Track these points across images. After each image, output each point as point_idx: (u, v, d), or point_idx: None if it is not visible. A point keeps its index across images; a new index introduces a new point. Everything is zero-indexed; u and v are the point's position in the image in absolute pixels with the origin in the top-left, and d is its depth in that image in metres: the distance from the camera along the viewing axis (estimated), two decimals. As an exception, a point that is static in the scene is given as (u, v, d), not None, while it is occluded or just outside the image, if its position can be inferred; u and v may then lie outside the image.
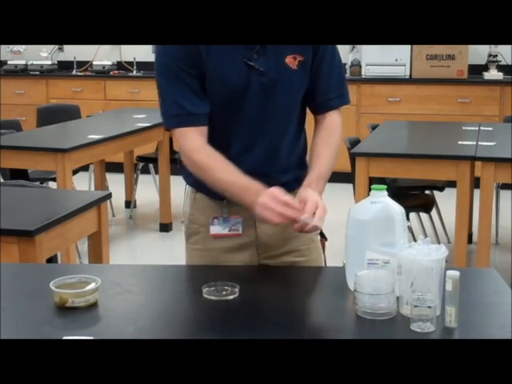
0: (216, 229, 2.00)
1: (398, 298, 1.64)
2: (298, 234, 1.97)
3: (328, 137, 2.01)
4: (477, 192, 3.90)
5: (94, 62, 7.65)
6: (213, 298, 1.75)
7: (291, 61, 1.92)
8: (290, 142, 2.00)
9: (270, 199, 1.76)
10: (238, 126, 1.94)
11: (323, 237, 2.13)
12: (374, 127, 4.92)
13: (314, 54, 1.95)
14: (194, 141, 1.90)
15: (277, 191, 1.78)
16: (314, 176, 1.93)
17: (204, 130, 1.91)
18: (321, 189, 1.92)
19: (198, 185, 2.00)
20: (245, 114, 1.92)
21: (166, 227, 5.45)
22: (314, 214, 1.78)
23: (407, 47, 6.65)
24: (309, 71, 1.96)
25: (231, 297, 1.75)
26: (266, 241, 2.02)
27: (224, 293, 1.76)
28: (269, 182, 1.86)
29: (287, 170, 2.00)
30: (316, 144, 2.00)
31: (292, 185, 1.98)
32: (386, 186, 1.78)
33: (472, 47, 6.68)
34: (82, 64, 7.71)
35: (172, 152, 5.77)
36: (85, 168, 5.40)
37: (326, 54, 1.97)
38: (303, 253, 2.06)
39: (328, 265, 2.17)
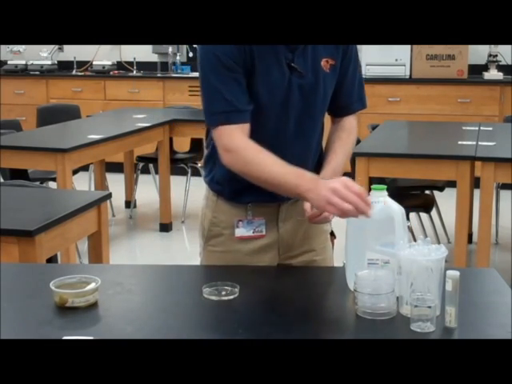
0: (241, 231, 2.02)
1: (398, 297, 1.64)
2: (315, 234, 2.05)
3: (346, 138, 2.06)
4: (477, 192, 3.90)
5: (94, 62, 7.65)
6: (213, 298, 1.75)
7: (325, 64, 1.95)
8: (316, 146, 2.05)
9: (342, 187, 1.71)
10: (278, 128, 1.96)
11: (332, 235, 2.17)
12: (374, 127, 4.92)
13: (342, 57, 1.99)
14: (241, 138, 1.88)
15: (349, 181, 1.73)
16: (330, 170, 1.97)
17: (247, 128, 1.90)
18: None
19: (222, 190, 2.03)
20: (285, 116, 1.95)
21: (166, 227, 5.45)
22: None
23: (407, 47, 6.65)
24: (337, 75, 1.99)
25: (231, 297, 1.75)
26: (288, 241, 2.05)
27: (224, 293, 1.77)
28: None
29: (311, 169, 2.00)
30: (333, 142, 2.05)
31: None
32: (386, 186, 1.78)
33: (472, 47, 6.68)
34: (82, 64, 7.71)
35: (172, 152, 5.78)
36: (85, 168, 5.40)
37: (351, 58, 2.01)
38: (320, 252, 2.10)
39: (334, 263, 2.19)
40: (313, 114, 1.99)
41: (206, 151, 2.10)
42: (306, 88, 1.93)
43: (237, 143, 1.87)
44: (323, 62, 1.95)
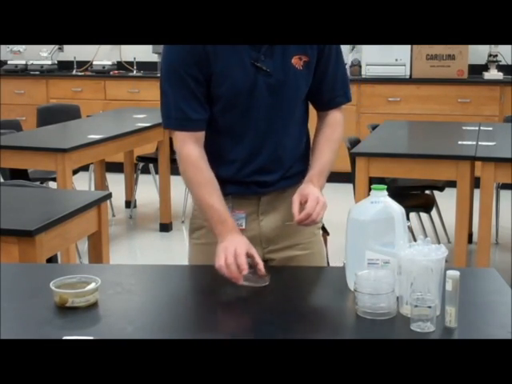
0: None
1: (398, 297, 1.64)
2: (299, 229, 2.02)
3: (331, 134, 2.06)
4: (477, 192, 3.90)
5: (94, 62, 7.65)
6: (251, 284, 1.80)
7: (297, 61, 1.95)
8: (294, 140, 2.05)
9: (233, 259, 1.79)
10: (246, 128, 1.97)
11: (325, 231, 2.18)
12: (374, 127, 4.92)
13: (319, 53, 1.98)
14: (191, 149, 1.94)
15: (230, 258, 1.80)
16: (316, 172, 1.99)
17: (201, 135, 1.97)
18: (322, 184, 1.98)
19: None
20: (252, 116, 1.95)
21: (166, 227, 5.45)
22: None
23: (407, 47, 6.65)
24: (313, 71, 1.99)
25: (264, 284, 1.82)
26: (269, 234, 2.05)
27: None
28: (273, 177, 1.97)
29: (291, 166, 2.04)
30: (318, 141, 2.06)
31: (295, 179, 2.03)
32: (386, 186, 1.78)
33: (472, 47, 6.68)
34: (82, 64, 7.71)
35: (172, 152, 5.77)
36: (85, 168, 5.40)
37: (331, 53, 2.01)
38: (305, 246, 2.09)
39: (329, 261, 2.18)
40: (284, 112, 1.99)
41: None
42: (275, 86, 1.94)
43: (185, 152, 1.95)
44: (294, 60, 1.94)
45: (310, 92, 2.03)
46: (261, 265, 1.82)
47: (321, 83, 2.03)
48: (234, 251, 1.80)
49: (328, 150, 2.04)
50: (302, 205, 1.88)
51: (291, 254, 2.07)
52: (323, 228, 2.16)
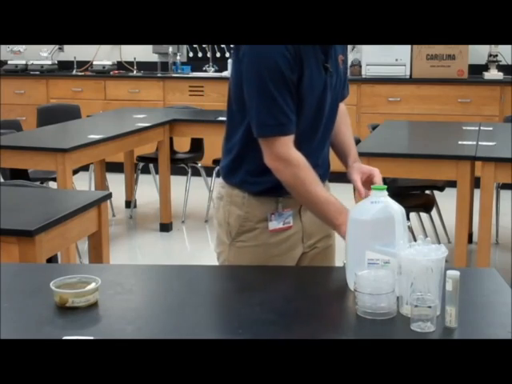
0: (273, 224, 2.07)
1: (398, 297, 1.64)
2: None
3: (346, 120, 2.22)
4: (477, 192, 3.90)
5: (94, 62, 7.65)
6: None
7: (340, 61, 2.05)
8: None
9: None
10: (316, 128, 2.03)
11: None
12: (374, 127, 4.92)
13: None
14: (296, 152, 1.95)
15: None
16: (356, 153, 2.16)
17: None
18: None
19: (253, 189, 2.06)
20: (322, 116, 2.01)
21: (166, 227, 5.45)
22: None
23: (407, 47, 6.65)
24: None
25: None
26: (309, 229, 2.12)
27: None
28: (318, 173, 2.01)
29: (327, 164, 2.15)
30: (340, 128, 2.18)
31: (327, 177, 2.15)
32: (386, 186, 1.78)
33: (472, 47, 6.67)
34: (82, 64, 7.71)
35: (172, 152, 5.78)
36: (85, 168, 5.40)
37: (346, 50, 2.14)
38: (333, 236, 2.18)
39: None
40: (335, 110, 2.09)
41: (228, 155, 2.09)
42: (334, 86, 2.03)
43: (293, 155, 1.93)
44: (339, 59, 2.04)
45: None
46: None
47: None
48: None
49: (350, 134, 2.20)
50: (362, 181, 2.01)
51: (324, 245, 2.16)
52: None
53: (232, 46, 1.99)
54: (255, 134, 1.94)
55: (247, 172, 2.05)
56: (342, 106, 2.19)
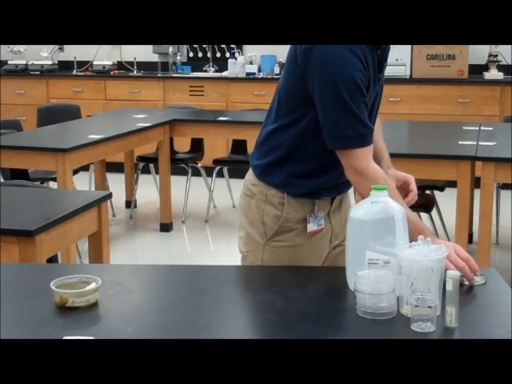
0: (311, 226, 2.09)
1: (398, 297, 1.64)
2: None
3: (378, 126, 2.19)
4: (477, 192, 3.90)
5: (95, 62, 7.65)
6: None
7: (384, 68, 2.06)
8: None
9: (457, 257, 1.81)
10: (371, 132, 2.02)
11: None
12: (374, 127, 4.91)
13: None
14: (375, 165, 1.96)
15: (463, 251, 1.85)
16: (389, 160, 2.16)
17: None
18: None
19: (293, 191, 2.07)
20: (372, 122, 2.01)
21: (166, 227, 5.45)
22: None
23: (407, 47, 6.65)
24: None
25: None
26: (336, 230, 2.16)
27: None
28: (346, 182, 2.05)
29: None
30: (375, 131, 2.12)
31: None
32: (386, 186, 1.78)
33: (472, 47, 6.67)
34: (82, 64, 7.71)
35: (172, 152, 5.78)
36: (85, 168, 5.40)
37: None
38: None
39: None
40: (376, 117, 2.10)
41: (269, 154, 2.08)
42: (380, 94, 2.07)
43: (371, 169, 1.93)
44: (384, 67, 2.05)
45: None
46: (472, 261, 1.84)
47: None
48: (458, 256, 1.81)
49: (383, 141, 2.20)
50: (397, 188, 2.01)
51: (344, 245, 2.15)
52: None
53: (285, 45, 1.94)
54: (332, 146, 1.93)
55: (291, 173, 2.05)
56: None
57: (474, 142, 4.10)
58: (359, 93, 1.87)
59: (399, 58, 6.63)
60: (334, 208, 2.15)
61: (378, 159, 2.10)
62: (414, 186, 2.08)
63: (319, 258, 2.14)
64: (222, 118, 5.51)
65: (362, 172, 1.92)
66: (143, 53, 7.53)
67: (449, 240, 4.82)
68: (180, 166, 5.93)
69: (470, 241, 4.73)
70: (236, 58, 7.17)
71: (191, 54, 7.54)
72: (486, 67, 6.78)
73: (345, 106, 1.86)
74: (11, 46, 7.68)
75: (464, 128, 4.85)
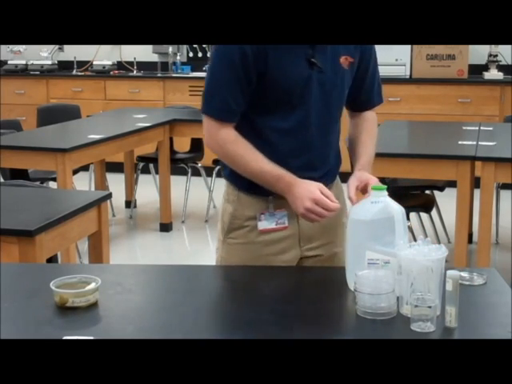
0: (263, 224, 2.05)
1: (398, 297, 1.64)
2: (334, 225, 2.10)
3: (371, 129, 2.17)
4: (477, 192, 3.90)
5: (94, 62, 7.65)
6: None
7: (344, 61, 2.01)
8: (336, 138, 2.12)
9: (314, 205, 1.88)
10: (297, 123, 2.00)
11: None
12: (374, 127, 4.91)
13: (361, 55, 2.06)
14: (229, 133, 1.98)
15: (318, 195, 1.88)
16: (365, 161, 2.08)
17: (235, 126, 2.00)
18: (370, 173, 2.06)
19: (242, 184, 2.06)
20: (304, 111, 1.99)
21: (166, 227, 5.45)
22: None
23: (407, 47, 6.64)
24: (354, 72, 2.07)
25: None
26: (308, 232, 2.08)
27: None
28: (316, 174, 2.00)
29: (332, 164, 2.11)
30: (360, 133, 2.14)
31: (333, 177, 2.11)
32: (386, 186, 1.78)
33: (472, 47, 6.67)
34: (82, 64, 7.71)
35: (172, 152, 5.78)
36: (85, 168, 5.40)
37: (372, 55, 2.11)
38: (340, 243, 2.12)
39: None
40: (332, 110, 2.05)
41: None
42: (327, 84, 1.99)
43: (224, 137, 1.98)
44: (342, 59, 2.01)
45: (350, 92, 2.09)
46: (333, 197, 1.90)
47: (361, 84, 2.11)
48: (313, 199, 1.87)
49: (371, 143, 2.14)
50: (357, 190, 1.94)
51: (329, 252, 2.11)
52: None
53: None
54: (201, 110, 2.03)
55: None
56: (369, 114, 2.19)
57: (474, 142, 4.09)
58: (231, 68, 1.91)
59: (399, 58, 6.64)
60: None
61: (354, 160, 2.11)
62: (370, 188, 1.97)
63: (285, 261, 2.06)
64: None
65: (217, 142, 1.99)
66: (143, 53, 7.53)
67: (449, 241, 4.83)
68: (180, 166, 5.93)
69: (470, 241, 4.73)
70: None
71: (191, 54, 7.53)
72: (485, 67, 6.78)
73: (213, 77, 1.96)
74: (11, 46, 7.67)
75: (464, 128, 4.85)
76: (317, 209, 1.88)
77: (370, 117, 2.19)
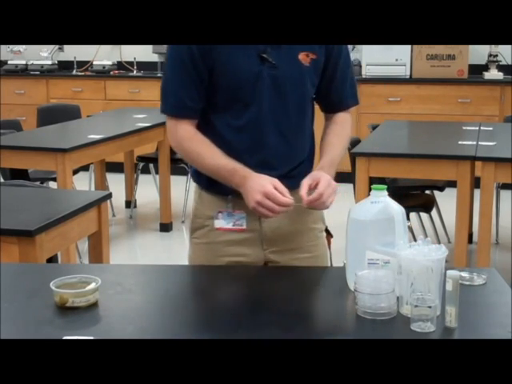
0: (220, 223, 2.03)
1: (398, 297, 1.64)
2: (302, 231, 2.05)
3: (341, 130, 2.10)
4: (477, 192, 3.90)
5: (94, 62, 7.65)
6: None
7: (304, 57, 1.96)
8: (301, 139, 2.06)
9: (264, 199, 1.83)
10: (248, 119, 1.97)
11: (329, 233, 2.17)
12: (374, 127, 4.92)
13: (328, 52, 2.00)
14: (185, 130, 1.99)
15: (269, 189, 1.84)
16: (327, 161, 2.00)
17: (195, 123, 2.01)
18: (332, 174, 1.98)
19: (202, 182, 2.06)
20: (255, 107, 1.96)
21: (166, 227, 5.45)
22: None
23: (407, 47, 6.65)
24: (321, 70, 2.01)
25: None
26: (271, 235, 2.04)
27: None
28: (275, 174, 1.93)
29: (296, 166, 2.04)
30: (328, 134, 2.08)
31: (300, 180, 1.97)
32: (386, 186, 1.78)
33: (472, 47, 6.67)
34: (82, 64, 7.71)
35: (172, 152, 5.78)
36: (85, 168, 5.40)
37: (341, 54, 2.04)
38: (309, 249, 2.09)
39: (332, 264, 2.18)
40: (290, 108, 1.99)
41: None
42: (280, 79, 1.95)
43: (181, 134, 1.99)
44: (301, 56, 1.96)
45: (319, 92, 2.05)
46: (287, 193, 1.85)
47: (330, 84, 2.05)
48: (264, 192, 1.84)
49: (338, 144, 2.06)
50: (312, 189, 1.87)
51: (293, 257, 2.06)
52: (327, 230, 2.16)
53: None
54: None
55: None
56: (342, 116, 2.11)
57: (474, 142, 4.10)
58: (181, 65, 1.94)
59: (399, 58, 6.64)
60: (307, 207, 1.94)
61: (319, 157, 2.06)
62: (321, 187, 1.86)
63: (252, 262, 2.03)
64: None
65: (175, 139, 2.01)
66: (143, 53, 7.52)
67: (449, 241, 4.83)
68: (180, 166, 5.93)
69: (470, 241, 4.73)
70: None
71: (191, 54, 7.53)
72: (485, 67, 6.78)
73: (166, 75, 2.00)
74: (11, 46, 7.67)
75: (464, 128, 4.86)
76: (267, 203, 1.83)
77: (342, 118, 2.11)
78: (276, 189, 1.85)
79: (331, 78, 2.04)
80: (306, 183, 1.88)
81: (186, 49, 1.91)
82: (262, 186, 1.85)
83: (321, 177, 1.89)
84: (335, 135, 2.07)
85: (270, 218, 1.96)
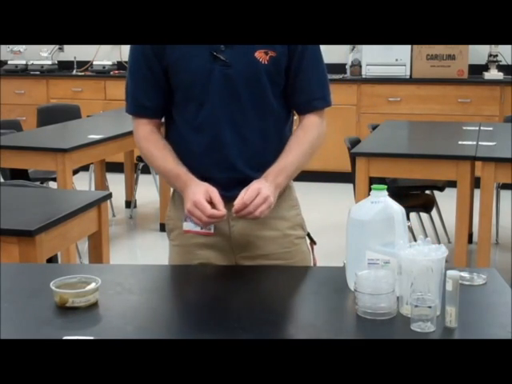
0: (189, 225, 1.97)
1: (398, 297, 1.64)
2: (274, 237, 2.00)
3: (302, 136, 2.00)
4: (477, 192, 3.90)
5: (95, 62, 7.65)
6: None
7: (261, 55, 1.91)
8: (266, 139, 1.98)
9: (194, 208, 1.85)
10: (204, 118, 1.95)
11: (312, 240, 2.11)
12: (374, 127, 4.92)
13: (290, 52, 1.94)
14: (143, 129, 2.04)
15: (198, 198, 1.84)
16: (275, 170, 1.93)
17: (156, 122, 2.05)
18: (280, 182, 1.92)
19: None
20: (209, 105, 1.93)
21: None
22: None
23: (407, 47, 6.65)
24: (283, 69, 1.95)
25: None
26: (240, 241, 1.99)
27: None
28: (241, 175, 1.92)
29: (263, 168, 1.95)
30: (288, 142, 2.00)
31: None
32: (386, 186, 1.78)
33: (472, 47, 6.68)
34: (82, 64, 7.71)
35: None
36: (85, 168, 5.40)
37: (305, 54, 1.96)
38: (283, 256, 2.02)
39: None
40: (247, 107, 1.94)
41: None
42: (234, 77, 1.90)
43: (139, 134, 2.05)
44: (258, 53, 1.90)
45: (285, 93, 1.99)
46: (220, 204, 1.84)
47: (294, 84, 1.98)
48: (193, 201, 1.84)
49: (295, 150, 1.97)
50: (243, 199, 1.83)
51: (266, 264, 1.99)
52: (310, 237, 2.10)
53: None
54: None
55: None
56: (309, 119, 2.02)
57: (474, 142, 4.10)
58: (137, 67, 1.98)
59: (399, 58, 6.64)
60: (235, 215, 1.87)
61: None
62: (246, 196, 1.82)
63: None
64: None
65: (135, 139, 2.09)
66: (143, 53, 7.53)
67: (449, 241, 4.83)
68: (180, 165, 5.93)
69: (470, 241, 4.73)
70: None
71: (191, 54, 7.53)
72: (485, 67, 6.78)
73: (127, 77, 2.04)
74: (11, 46, 7.67)
75: (464, 128, 4.86)
76: (196, 212, 1.84)
77: (310, 122, 2.01)
78: (211, 199, 1.84)
79: (295, 77, 1.97)
80: (242, 192, 1.85)
81: (141, 49, 1.95)
82: (194, 194, 1.85)
83: (251, 185, 1.85)
84: (295, 141, 1.99)
85: (240, 223, 1.94)
